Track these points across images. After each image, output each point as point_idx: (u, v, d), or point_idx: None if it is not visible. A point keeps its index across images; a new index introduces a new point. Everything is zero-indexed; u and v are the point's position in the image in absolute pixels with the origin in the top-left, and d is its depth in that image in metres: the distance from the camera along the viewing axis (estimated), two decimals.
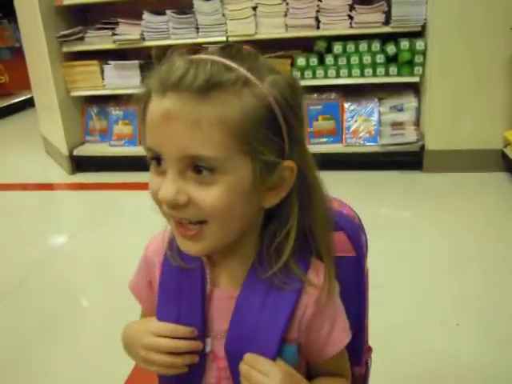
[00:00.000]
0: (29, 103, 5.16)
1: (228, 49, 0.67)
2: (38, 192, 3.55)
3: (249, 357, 0.70)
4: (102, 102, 3.82)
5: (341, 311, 0.77)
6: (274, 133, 0.65)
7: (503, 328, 1.84)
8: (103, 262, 2.56)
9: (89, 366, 1.82)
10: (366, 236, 0.88)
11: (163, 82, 0.63)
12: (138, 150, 3.65)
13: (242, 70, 0.64)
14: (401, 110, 3.32)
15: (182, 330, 0.73)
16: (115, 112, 3.75)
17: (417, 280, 2.16)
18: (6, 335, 2.04)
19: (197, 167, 0.63)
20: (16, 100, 5.93)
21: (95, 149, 3.76)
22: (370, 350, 0.97)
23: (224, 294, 0.75)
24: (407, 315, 1.92)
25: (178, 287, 0.76)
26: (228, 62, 0.64)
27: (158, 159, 0.66)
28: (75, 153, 3.70)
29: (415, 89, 3.37)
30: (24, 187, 3.64)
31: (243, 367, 0.70)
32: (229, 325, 0.73)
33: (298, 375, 0.73)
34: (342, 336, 0.76)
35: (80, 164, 3.73)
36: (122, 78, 3.55)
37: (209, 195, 0.63)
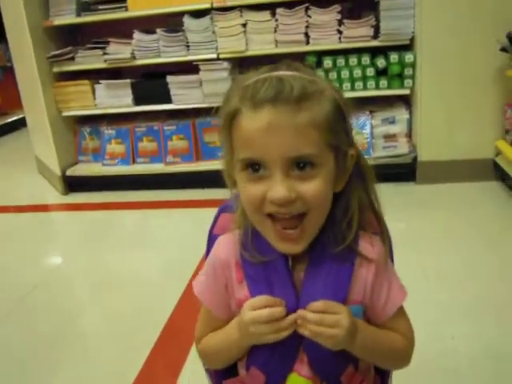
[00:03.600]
0: (22, 123, 5.14)
1: (293, 65, 0.80)
2: (31, 214, 3.53)
3: (317, 304, 0.79)
4: (95, 121, 3.82)
5: (394, 272, 0.91)
6: (344, 126, 0.79)
7: (498, 340, 1.83)
8: (99, 282, 2.54)
9: None
10: None
11: (258, 98, 0.73)
12: (131, 169, 3.66)
13: (319, 82, 0.78)
14: (392, 122, 3.34)
15: (274, 299, 0.81)
16: (108, 131, 3.74)
17: (411, 292, 2.15)
18: (3, 356, 2.02)
19: (299, 165, 0.75)
20: (9, 120, 5.94)
21: (88, 168, 3.75)
22: None
23: (301, 277, 0.84)
24: None
25: (266, 277, 0.84)
26: (308, 77, 0.77)
27: (255, 167, 0.76)
28: (68, 173, 3.69)
29: (406, 101, 3.39)
30: (17, 209, 3.62)
31: (311, 315, 0.78)
32: (299, 300, 0.82)
33: (357, 320, 0.83)
34: (399, 294, 0.89)
35: (73, 184, 3.71)
36: (113, 98, 3.56)
37: (312, 187, 0.75)
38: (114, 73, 3.65)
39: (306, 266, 0.84)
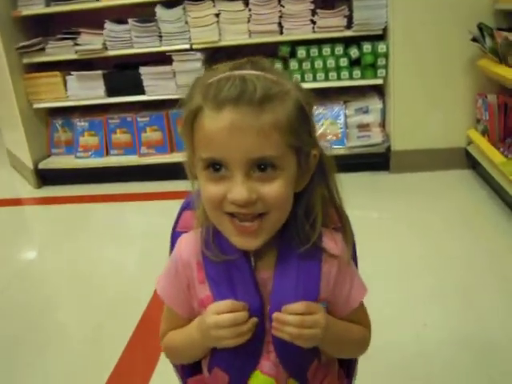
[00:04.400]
0: None
1: (257, 63, 0.77)
2: (3, 208, 3.47)
3: (297, 306, 0.79)
4: (67, 113, 3.77)
5: (355, 269, 0.91)
6: (307, 127, 0.78)
7: (472, 326, 1.86)
8: (74, 275, 2.52)
9: (67, 378, 1.81)
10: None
11: (220, 98, 0.72)
12: (105, 161, 3.62)
13: (283, 82, 0.76)
14: (366, 111, 3.36)
15: (238, 304, 0.80)
16: (80, 123, 3.69)
17: (387, 280, 2.18)
18: None
19: (260, 166, 0.74)
20: None
21: (61, 161, 3.70)
22: None
23: (264, 276, 0.83)
24: (376, 317, 1.92)
25: (228, 278, 0.82)
26: (272, 77, 0.75)
27: (216, 167, 0.75)
28: (40, 166, 3.64)
29: (379, 91, 3.41)
30: None
31: (292, 318, 0.78)
32: (270, 301, 0.82)
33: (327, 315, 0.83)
34: (360, 289, 0.89)
35: (46, 177, 3.67)
36: (85, 89, 3.51)
37: (273, 189, 0.75)
38: (85, 64, 3.59)
39: (273, 266, 0.83)
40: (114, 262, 2.61)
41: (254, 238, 0.78)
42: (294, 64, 3.25)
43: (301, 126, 0.76)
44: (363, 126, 3.34)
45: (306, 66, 3.25)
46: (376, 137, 3.30)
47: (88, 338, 2.02)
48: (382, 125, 3.36)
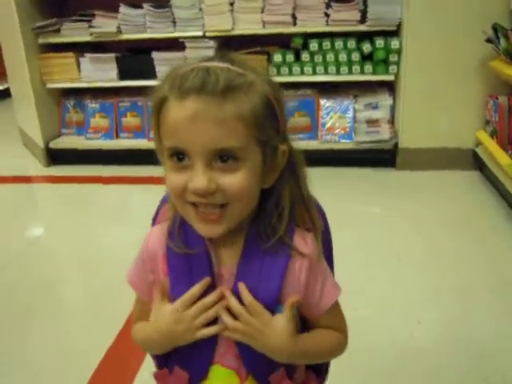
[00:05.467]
0: (6, 93, 5.08)
1: (226, 56, 0.79)
2: (12, 185, 3.53)
3: (246, 295, 0.80)
4: (79, 94, 3.80)
5: (328, 269, 0.89)
6: (274, 122, 0.78)
7: (467, 326, 1.88)
8: (79, 254, 2.57)
9: (62, 357, 1.85)
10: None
11: (184, 88, 0.73)
12: (114, 144, 3.65)
13: (249, 75, 0.76)
14: (376, 107, 3.36)
15: (201, 285, 0.82)
16: (92, 105, 3.73)
17: (383, 275, 2.21)
18: None
19: (222, 157, 0.74)
20: None
21: (71, 141, 3.74)
22: None
23: (227, 270, 0.84)
24: (372, 311, 1.95)
25: (188, 271, 0.83)
26: (238, 69, 0.76)
27: (179, 156, 0.75)
28: (51, 145, 3.69)
29: (390, 87, 3.40)
30: None
31: (232, 301, 0.80)
32: (232, 292, 0.82)
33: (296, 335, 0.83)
34: (333, 290, 0.87)
35: (56, 157, 3.71)
36: (98, 71, 3.54)
37: (234, 180, 0.75)
38: (98, 47, 3.62)
39: (237, 262, 0.83)
40: (116, 243, 2.63)
41: (217, 224, 0.78)
42: (305, 56, 3.25)
43: (267, 120, 0.76)
44: (372, 122, 3.34)
45: (318, 58, 3.24)
46: (384, 133, 3.29)
47: (86, 317, 2.07)
48: (391, 121, 3.35)
